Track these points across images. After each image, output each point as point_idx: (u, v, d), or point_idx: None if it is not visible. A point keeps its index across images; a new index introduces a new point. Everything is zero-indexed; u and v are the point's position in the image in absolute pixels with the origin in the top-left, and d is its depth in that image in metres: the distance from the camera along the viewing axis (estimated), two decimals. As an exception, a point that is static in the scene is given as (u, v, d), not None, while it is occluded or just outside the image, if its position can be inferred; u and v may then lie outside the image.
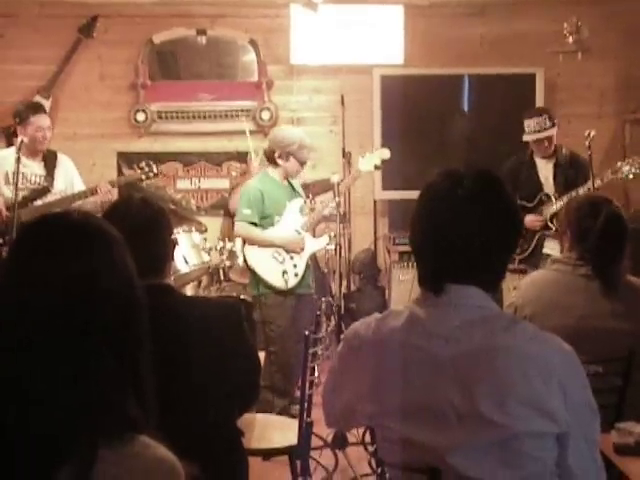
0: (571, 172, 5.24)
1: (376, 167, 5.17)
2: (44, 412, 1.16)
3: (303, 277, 4.99)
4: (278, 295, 4.93)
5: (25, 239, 1.30)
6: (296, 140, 4.91)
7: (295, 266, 4.96)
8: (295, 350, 4.60)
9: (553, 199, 5.21)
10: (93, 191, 5.15)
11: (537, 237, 5.21)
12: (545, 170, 5.34)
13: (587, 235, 2.94)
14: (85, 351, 1.21)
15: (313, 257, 5.15)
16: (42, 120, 5.17)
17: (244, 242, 5.02)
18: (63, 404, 1.17)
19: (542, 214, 5.21)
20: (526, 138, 5.32)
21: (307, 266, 5.03)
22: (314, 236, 5.25)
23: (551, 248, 5.16)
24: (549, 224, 5.20)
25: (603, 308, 2.89)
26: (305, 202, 5.14)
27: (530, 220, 5.21)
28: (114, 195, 5.19)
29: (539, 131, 5.26)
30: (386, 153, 5.17)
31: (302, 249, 4.97)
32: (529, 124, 5.29)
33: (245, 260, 5.01)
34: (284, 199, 4.98)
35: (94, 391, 1.20)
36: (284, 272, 4.91)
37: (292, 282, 4.92)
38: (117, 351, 1.25)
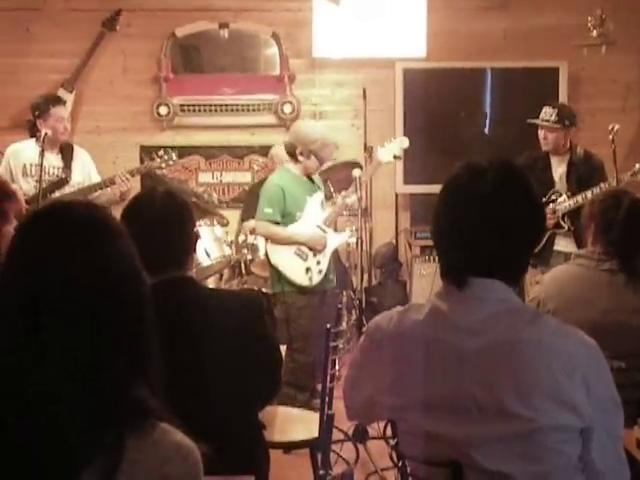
0: (585, 172, 5.17)
1: (395, 157, 5.08)
2: (62, 409, 1.15)
3: (326, 273, 4.94)
4: (301, 294, 4.87)
5: (31, 230, 1.28)
6: (318, 138, 4.82)
7: (319, 263, 4.90)
8: (317, 346, 4.60)
9: (565, 197, 5.15)
10: (111, 181, 5.17)
11: (549, 234, 5.15)
12: (560, 168, 5.28)
13: (611, 226, 2.94)
14: (97, 343, 1.20)
15: (334, 251, 5.13)
16: (62, 111, 5.21)
17: (267, 240, 4.96)
18: (81, 399, 1.16)
19: (555, 212, 5.16)
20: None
21: (330, 262, 4.99)
22: (336, 230, 5.23)
23: (563, 246, 5.13)
24: (561, 222, 5.15)
25: (627, 303, 2.88)
26: (325, 195, 5.09)
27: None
28: (131, 185, 5.19)
29: (542, 120, 5.21)
30: (405, 142, 5.07)
31: (324, 247, 4.90)
32: (542, 110, 5.26)
33: (268, 258, 4.94)
34: (305, 194, 4.91)
35: (112, 384, 1.19)
36: (307, 269, 4.85)
37: (316, 279, 4.87)
38: (128, 343, 1.24)
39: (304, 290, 4.86)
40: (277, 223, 4.82)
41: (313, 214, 4.92)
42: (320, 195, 5.00)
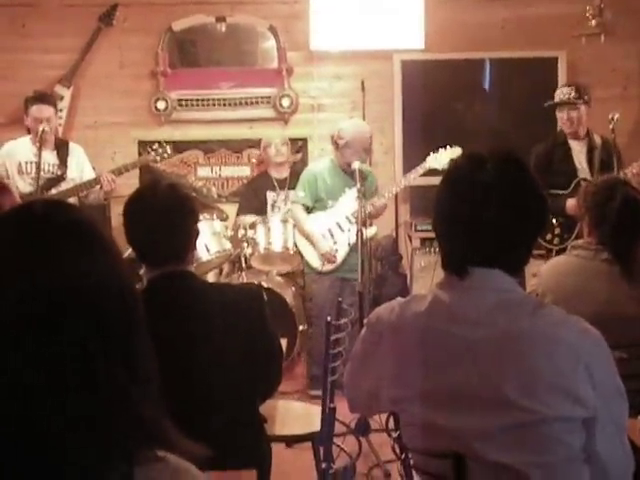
0: (605, 156, 5.04)
1: (444, 169, 5.09)
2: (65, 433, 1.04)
3: (344, 261, 5.19)
4: (318, 276, 5.25)
5: (5, 235, 1.13)
6: (346, 137, 5.09)
7: (336, 250, 5.20)
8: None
9: None
10: (95, 182, 5.15)
11: (579, 224, 5.05)
12: (580, 154, 5.17)
13: (605, 219, 2.92)
14: (88, 357, 1.07)
15: (366, 243, 5.13)
16: (39, 111, 5.10)
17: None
18: (85, 425, 1.05)
19: None
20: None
21: (351, 251, 5.13)
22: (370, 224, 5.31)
23: None
24: None
25: (626, 293, 2.87)
26: (368, 189, 5.13)
27: (572, 205, 4.80)
28: (116, 185, 5.17)
29: (562, 99, 5.11)
30: (457, 152, 5.06)
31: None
32: (557, 93, 5.18)
33: (296, 239, 5.33)
34: (342, 185, 5.18)
35: (111, 400, 1.08)
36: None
37: (328, 266, 5.19)
38: (122, 353, 1.11)
39: (320, 273, 5.23)
40: (308, 207, 5.24)
41: (346, 206, 5.16)
42: (355, 190, 5.02)
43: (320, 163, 5.42)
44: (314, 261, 5.24)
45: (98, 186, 5.15)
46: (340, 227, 5.24)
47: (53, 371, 1.05)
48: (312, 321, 5.31)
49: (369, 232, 5.19)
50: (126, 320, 1.13)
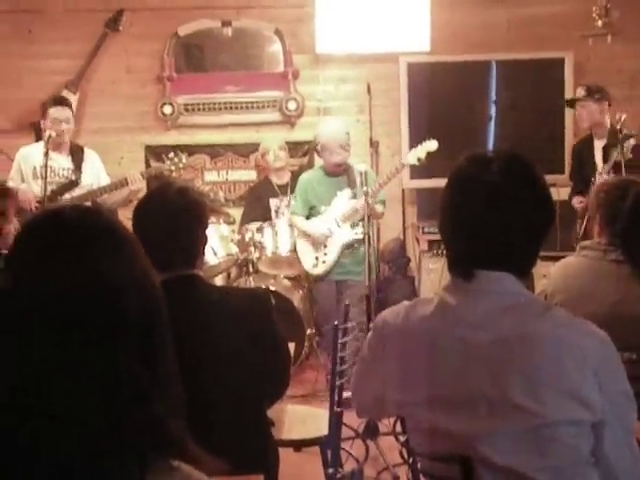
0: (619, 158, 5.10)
1: (419, 160, 5.18)
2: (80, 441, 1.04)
3: (336, 264, 5.21)
4: (317, 280, 5.36)
5: (22, 243, 1.15)
6: (320, 140, 5.15)
7: (325, 254, 5.23)
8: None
9: (605, 179, 5.04)
10: (123, 182, 5.17)
11: (586, 219, 5.06)
12: (598, 151, 5.25)
13: (616, 218, 2.90)
14: (106, 362, 1.08)
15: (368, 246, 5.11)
16: (57, 112, 5.17)
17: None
18: (100, 428, 1.05)
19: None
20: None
21: (349, 254, 5.21)
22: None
23: None
24: None
25: (635, 293, 2.85)
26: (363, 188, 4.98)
27: (576, 201, 5.21)
28: (143, 187, 5.20)
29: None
30: (433, 145, 5.17)
31: (323, 243, 5.22)
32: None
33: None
34: (333, 189, 5.21)
35: (129, 412, 1.07)
36: (316, 258, 5.26)
37: (321, 268, 5.25)
38: (143, 358, 1.12)
39: (314, 276, 5.35)
40: (304, 215, 5.29)
41: (338, 208, 5.21)
42: (348, 191, 5.21)
43: (312, 171, 5.54)
44: (307, 263, 5.31)
45: (117, 190, 5.17)
46: (330, 230, 5.26)
47: (77, 371, 1.07)
48: (317, 323, 5.49)
49: (358, 234, 5.22)
50: (149, 322, 1.15)
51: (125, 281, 1.13)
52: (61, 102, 5.33)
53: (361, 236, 5.16)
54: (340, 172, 5.20)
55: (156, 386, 1.12)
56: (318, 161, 6.55)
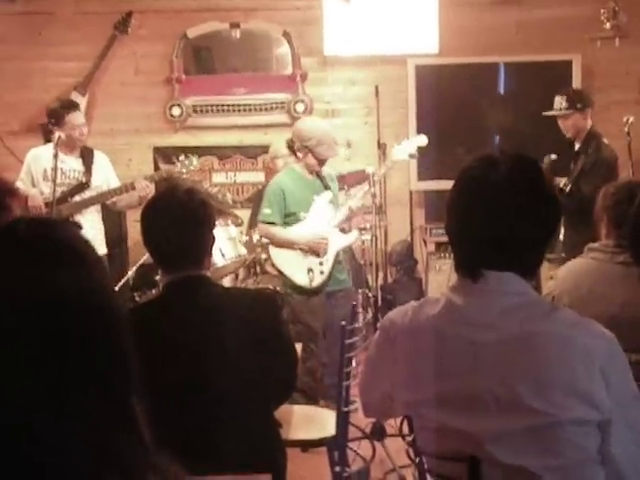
0: (586, 164, 5.05)
1: (411, 156, 5.03)
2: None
3: (331, 274, 4.77)
4: (304, 295, 4.72)
5: None
6: (315, 135, 4.66)
7: (321, 264, 4.73)
8: (329, 348, 4.47)
9: (563, 184, 5.02)
10: (130, 187, 5.18)
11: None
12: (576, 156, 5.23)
13: (624, 220, 2.90)
14: (64, 385, 1.02)
15: (349, 249, 5.07)
16: (77, 117, 5.18)
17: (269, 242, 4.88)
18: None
19: None
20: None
21: (337, 262, 4.82)
22: (350, 229, 5.16)
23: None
24: None
25: (643, 295, 2.85)
26: (335, 194, 4.91)
27: None
28: (152, 190, 5.20)
29: (555, 110, 5.21)
30: (423, 140, 5.02)
31: (325, 251, 4.73)
32: (554, 102, 5.25)
33: (272, 260, 4.89)
34: (310, 194, 4.77)
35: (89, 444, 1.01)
36: (310, 270, 4.71)
37: (318, 280, 4.73)
38: (102, 381, 1.05)
39: (306, 291, 4.72)
40: (274, 224, 4.73)
41: (320, 213, 4.79)
42: (329, 194, 4.83)
43: (283, 175, 4.89)
44: (300, 278, 4.71)
45: (128, 192, 5.17)
46: (323, 237, 4.78)
47: (34, 383, 1.01)
48: (305, 342, 4.39)
49: (350, 238, 4.99)
50: (101, 344, 1.08)
51: (78, 298, 1.06)
52: (76, 106, 5.33)
53: (368, 237, 5.14)
54: (316, 172, 4.80)
55: (108, 403, 1.06)
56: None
